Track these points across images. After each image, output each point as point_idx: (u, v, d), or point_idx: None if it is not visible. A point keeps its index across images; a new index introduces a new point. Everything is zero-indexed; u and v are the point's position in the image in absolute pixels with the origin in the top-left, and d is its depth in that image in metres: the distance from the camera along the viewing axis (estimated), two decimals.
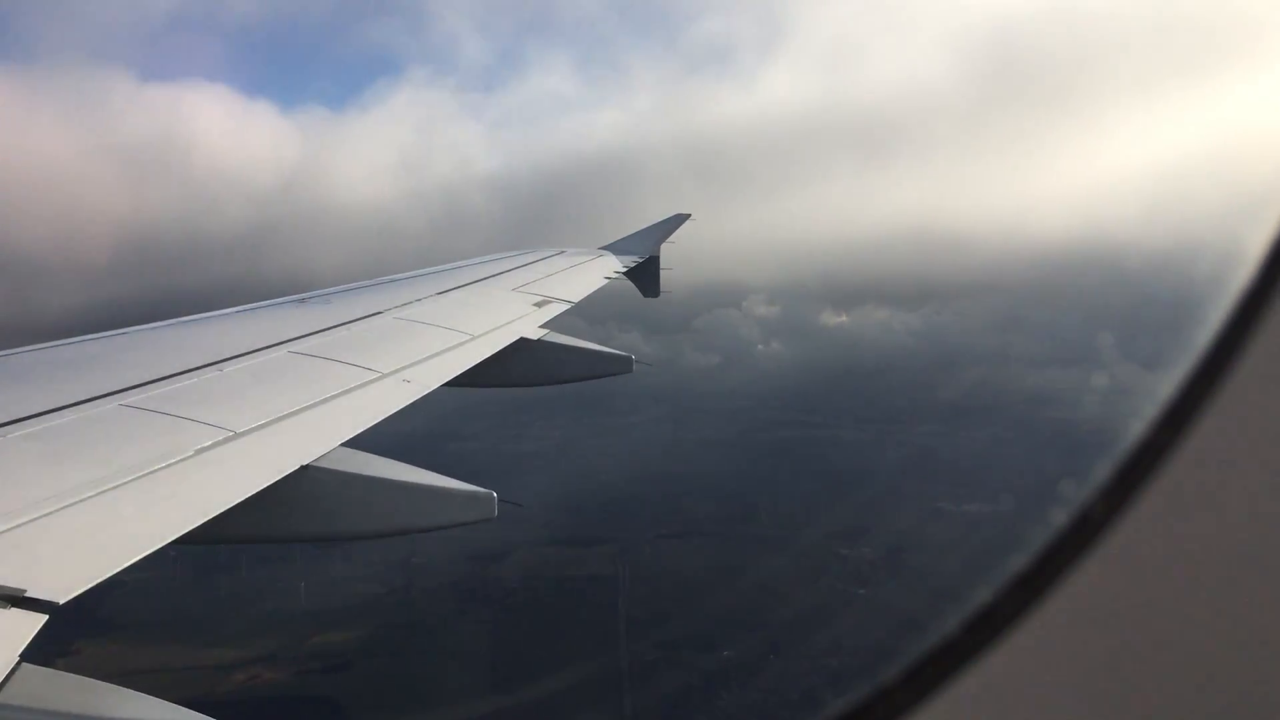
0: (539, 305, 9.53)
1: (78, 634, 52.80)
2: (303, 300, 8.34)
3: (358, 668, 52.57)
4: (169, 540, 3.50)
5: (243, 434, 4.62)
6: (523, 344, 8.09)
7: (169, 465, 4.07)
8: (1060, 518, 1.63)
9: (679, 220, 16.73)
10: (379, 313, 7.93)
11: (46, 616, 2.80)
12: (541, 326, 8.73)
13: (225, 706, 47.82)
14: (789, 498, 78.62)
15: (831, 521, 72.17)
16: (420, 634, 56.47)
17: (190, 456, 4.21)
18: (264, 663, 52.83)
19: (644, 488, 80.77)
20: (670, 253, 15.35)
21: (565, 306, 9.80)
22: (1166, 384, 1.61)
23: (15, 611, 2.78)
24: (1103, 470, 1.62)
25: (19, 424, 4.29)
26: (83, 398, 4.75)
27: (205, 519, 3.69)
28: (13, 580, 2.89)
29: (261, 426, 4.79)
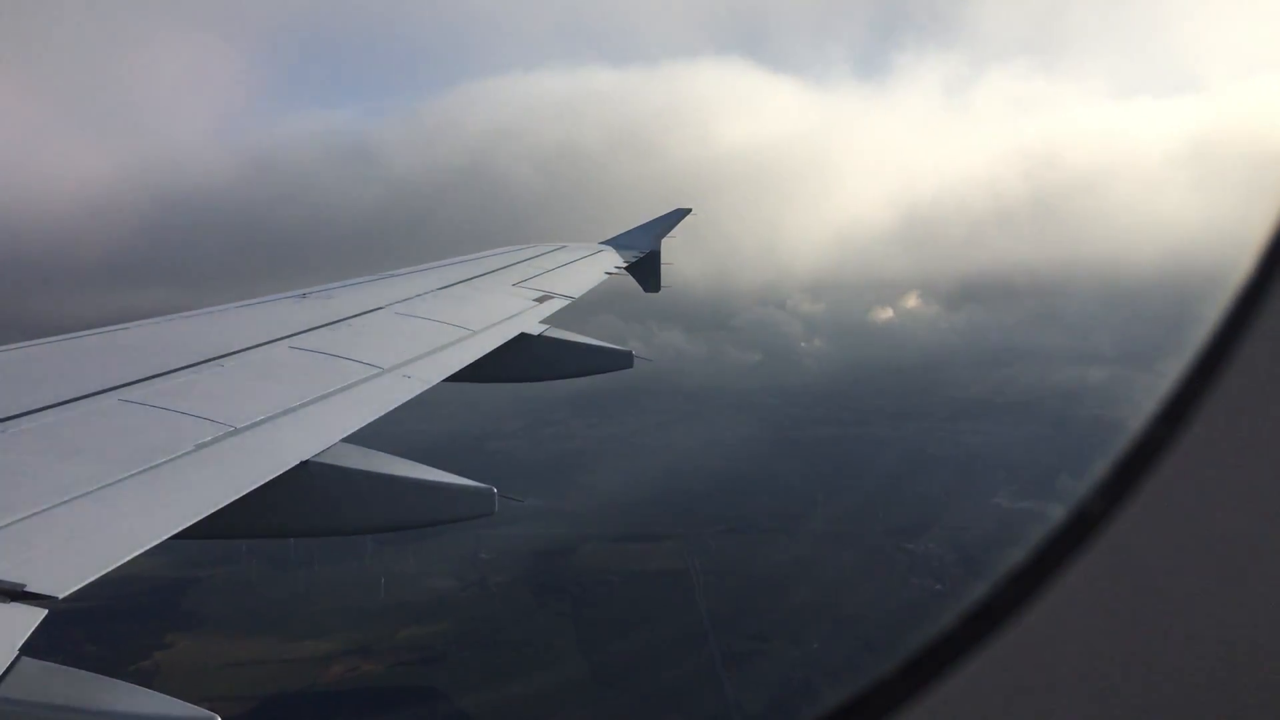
0: (540, 300, 9.55)
1: (166, 627, 54.82)
2: (303, 295, 8.37)
3: (453, 659, 53.53)
4: (169, 535, 3.53)
5: (243, 429, 4.64)
6: (523, 339, 8.11)
7: (169, 460, 4.09)
8: (1060, 513, 1.64)
9: (679, 215, 16.75)
10: (379, 308, 7.97)
11: (46, 611, 2.83)
12: (542, 322, 8.73)
13: (330, 698, 49.09)
14: (838, 494, 78.90)
15: (888, 517, 72.29)
16: (506, 626, 57.43)
17: (190, 452, 4.24)
18: (359, 654, 53.79)
19: (692, 484, 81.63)
20: (670, 246, 15.45)
21: (566, 302, 9.83)
22: (1164, 380, 1.61)
23: (15, 606, 2.81)
24: (1101, 466, 1.63)
25: (19, 419, 4.31)
26: (83, 393, 4.76)
27: (205, 514, 3.71)
28: (12, 575, 2.92)
29: (261, 422, 4.81)
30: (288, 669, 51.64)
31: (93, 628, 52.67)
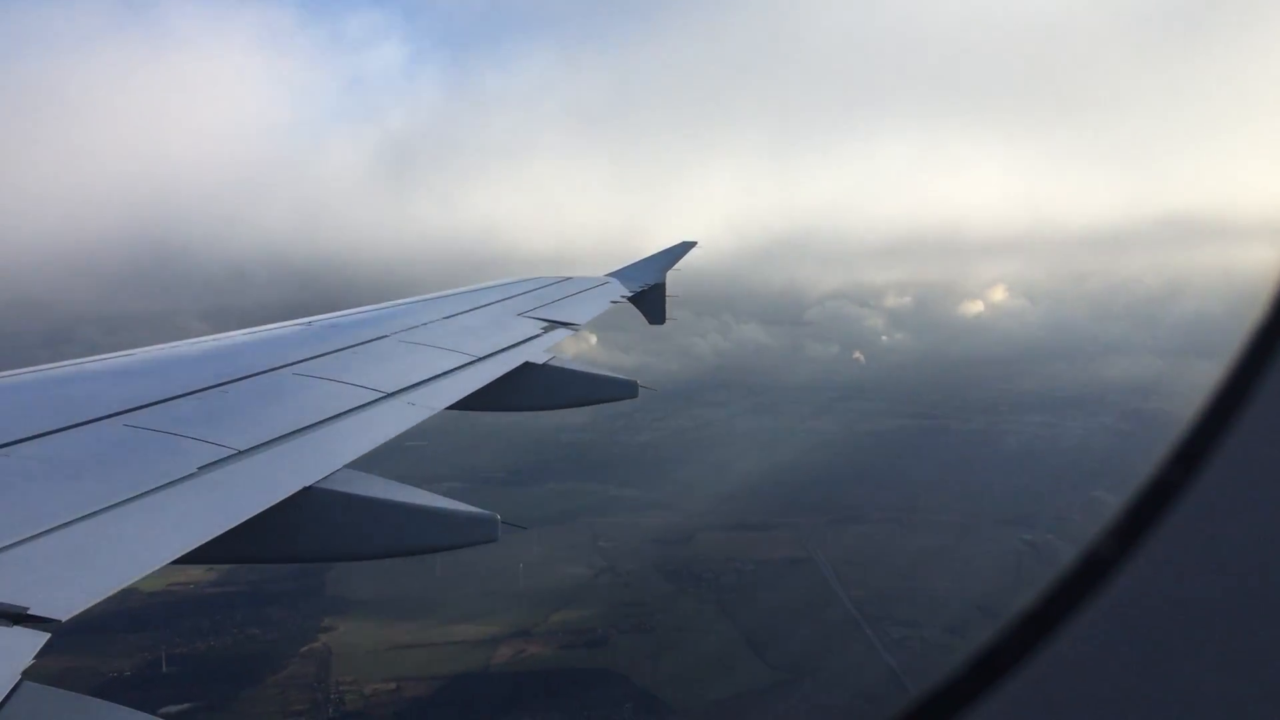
0: (545, 330, 9.59)
1: (320, 611, 56.50)
2: (309, 323, 8.39)
3: (616, 642, 55.06)
4: (172, 559, 3.54)
5: (246, 453, 4.67)
6: (528, 368, 8.10)
7: (172, 484, 4.12)
8: (1071, 557, 1.60)
9: (685, 248, 16.86)
10: (384, 336, 7.98)
11: (49, 635, 2.81)
12: (547, 351, 8.75)
13: (509, 679, 50.85)
14: (931, 486, 79.11)
15: (993, 509, 70.71)
16: (654, 611, 58.94)
17: (193, 475, 4.27)
18: (521, 638, 55.24)
19: (781, 475, 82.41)
20: (674, 279, 15.38)
21: (571, 331, 9.91)
22: (1179, 421, 1.58)
23: (18, 629, 2.79)
24: (1115, 508, 1.59)
25: (23, 443, 4.32)
26: (87, 418, 4.78)
27: (207, 538, 3.72)
28: (16, 598, 2.90)
29: (265, 446, 4.83)
30: (457, 651, 53.06)
31: (248, 612, 55.07)
